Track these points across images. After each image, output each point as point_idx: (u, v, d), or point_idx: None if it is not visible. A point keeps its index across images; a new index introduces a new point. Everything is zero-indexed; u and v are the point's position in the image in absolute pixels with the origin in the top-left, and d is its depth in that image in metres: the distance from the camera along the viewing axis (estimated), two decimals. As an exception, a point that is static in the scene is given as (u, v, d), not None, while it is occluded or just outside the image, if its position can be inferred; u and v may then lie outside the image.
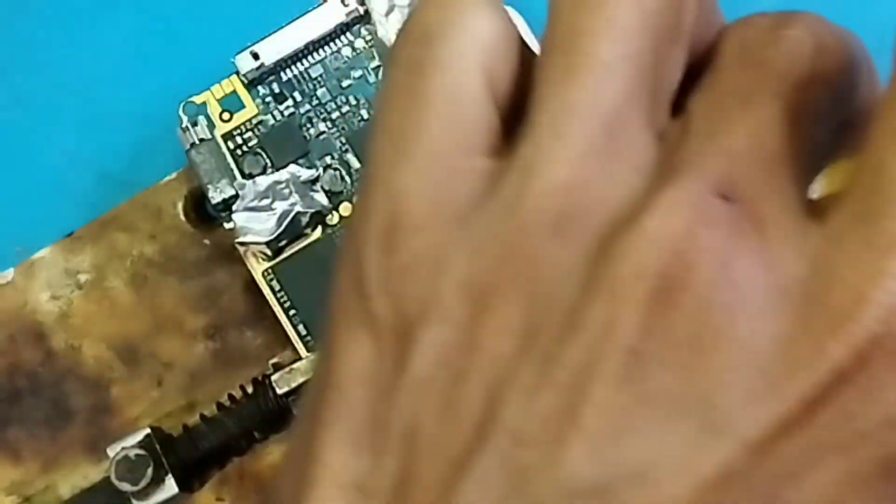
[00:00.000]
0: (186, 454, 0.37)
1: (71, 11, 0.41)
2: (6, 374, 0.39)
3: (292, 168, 0.36)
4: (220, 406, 0.37)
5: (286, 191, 0.36)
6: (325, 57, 0.37)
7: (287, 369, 0.36)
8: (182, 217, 0.39)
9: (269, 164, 0.37)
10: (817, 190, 0.20)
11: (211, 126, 0.37)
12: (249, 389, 0.37)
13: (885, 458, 0.17)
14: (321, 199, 0.36)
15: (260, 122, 0.37)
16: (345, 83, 0.37)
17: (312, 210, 0.36)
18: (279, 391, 0.36)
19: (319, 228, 0.37)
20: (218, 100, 0.37)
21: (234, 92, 0.37)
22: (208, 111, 0.37)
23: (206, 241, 0.39)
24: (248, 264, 0.36)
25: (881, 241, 0.17)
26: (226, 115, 0.37)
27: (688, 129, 0.19)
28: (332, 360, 0.20)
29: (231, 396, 0.37)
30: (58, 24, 0.41)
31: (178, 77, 0.40)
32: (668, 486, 0.17)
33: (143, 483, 0.36)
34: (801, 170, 0.19)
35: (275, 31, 0.37)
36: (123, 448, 0.36)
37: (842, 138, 0.20)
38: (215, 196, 0.36)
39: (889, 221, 0.17)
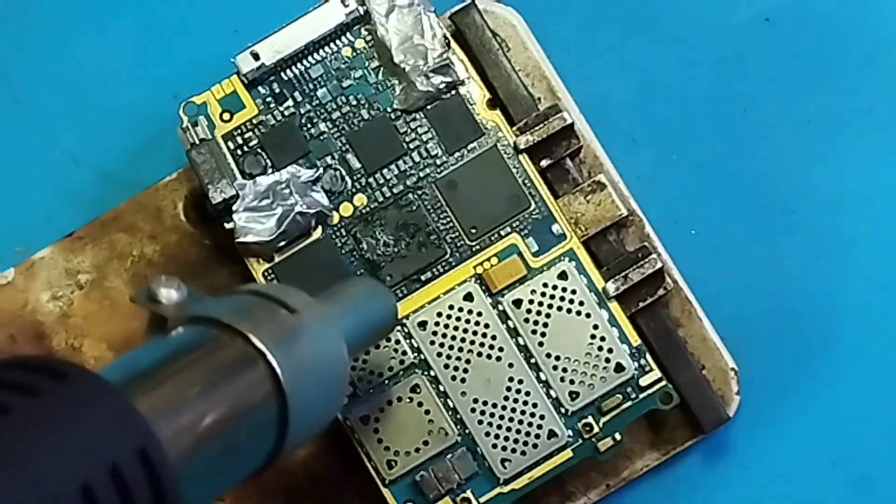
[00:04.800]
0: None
1: (70, 12, 0.41)
2: (6, 374, 0.39)
3: (292, 168, 0.36)
4: (220, 406, 0.37)
5: (286, 191, 0.36)
6: (326, 57, 0.37)
7: (287, 369, 0.36)
8: (182, 217, 0.39)
9: (269, 164, 0.37)
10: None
11: (211, 126, 0.37)
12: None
13: None
14: (321, 199, 0.37)
15: (260, 123, 0.37)
16: (345, 83, 0.37)
17: (313, 210, 0.36)
18: (279, 391, 0.36)
19: (319, 228, 0.37)
20: (218, 100, 0.37)
21: (235, 92, 0.37)
22: (208, 111, 0.37)
23: (206, 241, 0.39)
24: (248, 264, 0.36)
25: None
26: (226, 116, 0.37)
27: None
28: None
29: (231, 396, 0.37)
30: (57, 24, 0.41)
31: (178, 77, 0.40)
32: None
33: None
34: None
35: (275, 31, 0.37)
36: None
37: None
38: (215, 196, 0.36)
39: None
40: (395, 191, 0.37)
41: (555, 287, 0.36)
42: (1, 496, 0.18)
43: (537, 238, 0.36)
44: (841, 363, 0.38)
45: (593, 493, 0.38)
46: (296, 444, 0.26)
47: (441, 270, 0.36)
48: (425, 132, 0.37)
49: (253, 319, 0.26)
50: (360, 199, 0.37)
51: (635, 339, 0.36)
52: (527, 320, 0.36)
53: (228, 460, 0.24)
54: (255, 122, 0.37)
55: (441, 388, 0.36)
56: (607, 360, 0.36)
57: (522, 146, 0.36)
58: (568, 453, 0.36)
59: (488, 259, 0.36)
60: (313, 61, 0.37)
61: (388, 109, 0.37)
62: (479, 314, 0.36)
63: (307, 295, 0.28)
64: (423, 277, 0.36)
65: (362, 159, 0.37)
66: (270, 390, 0.25)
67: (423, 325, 0.36)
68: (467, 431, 0.36)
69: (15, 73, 0.41)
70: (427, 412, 0.36)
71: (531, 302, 0.36)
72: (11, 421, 0.19)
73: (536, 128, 0.36)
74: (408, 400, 0.36)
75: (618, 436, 0.36)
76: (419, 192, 0.37)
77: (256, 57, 0.37)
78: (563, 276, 0.36)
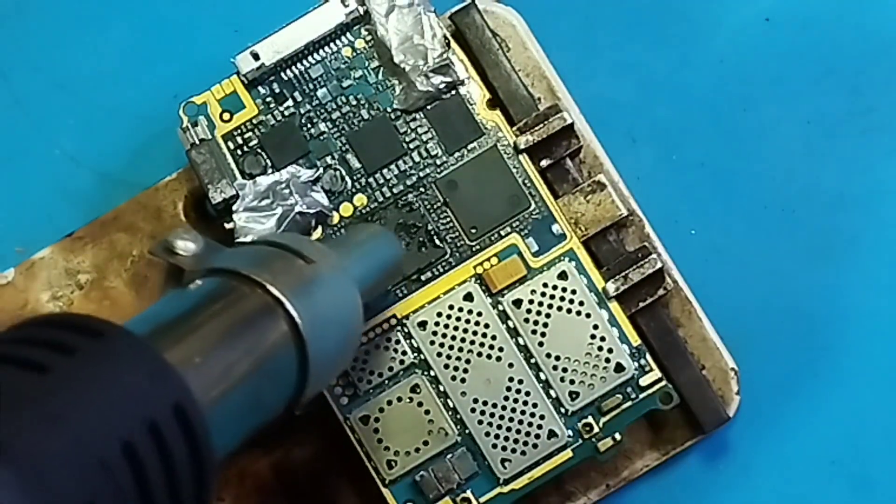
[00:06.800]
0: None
1: (70, 12, 0.41)
2: (6, 374, 0.39)
3: (292, 168, 0.36)
4: (220, 406, 0.37)
5: (286, 191, 0.36)
6: (326, 57, 0.37)
7: (287, 369, 0.36)
8: (182, 217, 0.39)
9: (269, 164, 0.37)
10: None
11: (211, 126, 0.37)
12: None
13: None
14: (321, 199, 0.37)
15: (260, 122, 0.37)
16: (345, 83, 0.37)
17: (313, 210, 0.36)
18: (279, 391, 0.36)
19: (319, 228, 0.37)
20: (218, 100, 0.37)
21: (235, 92, 0.37)
22: (208, 111, 0.37)
23: (207, 241, 0.39)
24: (248, 264, 0.36)
25: None
26: (226, 116, 0.37)
27: None
28: None
29: (231, 396, 0.37)
30: (57, 24, 0.41)
31: (178, 77, 0.40)
32: None
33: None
34: None
35: (275, 32, 0.37)
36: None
37: None
38: (215, 196, 0.36)
39: None
40: (395, 191, 0.37)
41: (555, 287, 0.36)
42: (47, 453, 0.18)
43: (537, 238, 0.36)
44: (841, 363, 0.38)
45: (593, 493, 0.38)
46: (314, 390, 0.27)
47: (441, 270, 0.36)
48: (425, 132, 0.37)
49: (271, 270, 0.26)
50: (360, 199, 0.37)
51: (635, 339, 0.36)
52: (527, 320, 0.36)
53: (252, 408, 0.25)
54: (255, 122, 0.37)
55: (441, 388, 0.36)
56: (607, 360, 0.36)
57: (522, 146, 0.36)
58: (568, 453, 0.36)
59: (488, 259, 0.36)
60: (313, 61, 0.37)
61: (388, 109, 0.37)
62: (479, 314, 0.36)
63: (322, 245, 0.29)
64: (423, 277, 0.36)
65: (362, 159, 0.37)
66: (291, 339, 0.25)
67: (423, 325, 0.36)
68: (467, 431, 0.36)
69: (15, 73, 0.41)
70: (427, 412, 0.36)
71: (531, 302, 0.36)
72: (51, 379, 0.19)
73: (536, 128, 0.36)
74: (408, 400, 0.36)
75: (618, 436, 0.36)
76: (419, 192, 0.37)
77: (256, 57, 0.37)
78: (563, 276, 0.36)
